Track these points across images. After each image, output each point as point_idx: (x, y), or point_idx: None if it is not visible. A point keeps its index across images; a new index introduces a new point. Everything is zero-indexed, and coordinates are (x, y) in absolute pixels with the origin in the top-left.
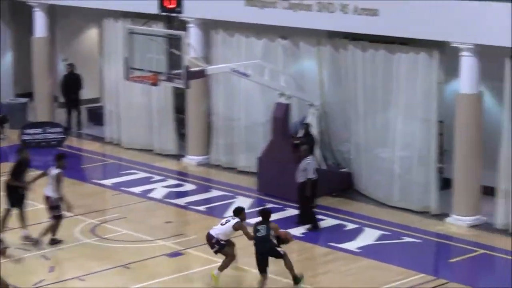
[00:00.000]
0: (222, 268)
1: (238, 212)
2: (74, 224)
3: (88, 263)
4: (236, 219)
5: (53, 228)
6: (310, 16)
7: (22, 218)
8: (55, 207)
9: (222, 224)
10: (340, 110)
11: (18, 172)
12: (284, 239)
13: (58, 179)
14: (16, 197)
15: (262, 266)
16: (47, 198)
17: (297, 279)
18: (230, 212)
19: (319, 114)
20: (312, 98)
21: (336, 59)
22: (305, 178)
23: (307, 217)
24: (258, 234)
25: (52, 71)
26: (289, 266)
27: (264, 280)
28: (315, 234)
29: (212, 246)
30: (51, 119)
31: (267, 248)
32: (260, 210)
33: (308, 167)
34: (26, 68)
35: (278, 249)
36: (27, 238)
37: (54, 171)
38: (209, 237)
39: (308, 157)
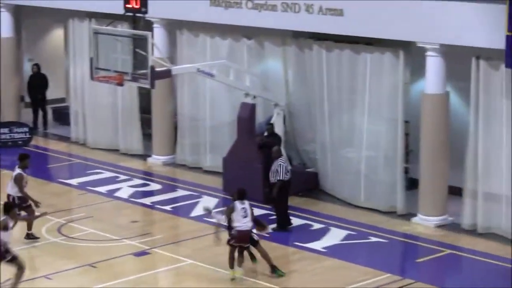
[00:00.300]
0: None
1: (245, 193)
2: (40, 223)
3: (55, 262)
4: (246, 201)
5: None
6: (275, 16)
7: None
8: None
9: (245, 216)
10: (306, 110)
11: None
12: (260, 224)
13: (17, 180)
14: None
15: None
16: (8, 196)
17: (275, 270)
18: (196, 212)
19: (284, 114)
20: (277, 98)
21: (301, 59)
22: (276, 179)
23: (280, 217)
24: None
25: (18, 71)
26: (264, 254)
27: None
28: (282, 234)
29: (250, 241)
30: (17, 119)
31: None
32: (237, 190)
33: (279, 169)
34: None
35: (253, 234)
36: None
37: (16, 171)
38: (248, 233)
39: (279, 158)
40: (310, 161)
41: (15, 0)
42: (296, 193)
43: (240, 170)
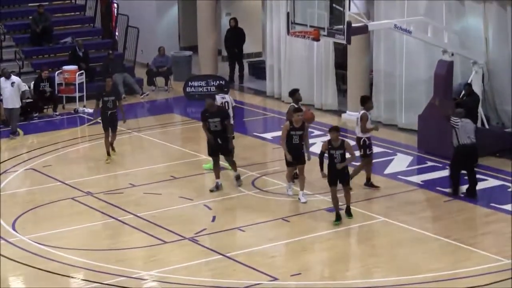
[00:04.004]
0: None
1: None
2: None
3: (248, 215)
4: (362, 111)
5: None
6: None
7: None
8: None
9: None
10: (506, 69)
11: None
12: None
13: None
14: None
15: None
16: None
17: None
18: (390, 169)
19: (483, 72)
20: (476, 56)
21: (503, 16)
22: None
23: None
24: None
25: (216, 26)
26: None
27: None
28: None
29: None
30: (214, 72)
31: None
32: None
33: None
34: (191, 22)
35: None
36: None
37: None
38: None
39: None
40: (509, 121)
41: None
42: (493, 154)
43: (435, 128)
